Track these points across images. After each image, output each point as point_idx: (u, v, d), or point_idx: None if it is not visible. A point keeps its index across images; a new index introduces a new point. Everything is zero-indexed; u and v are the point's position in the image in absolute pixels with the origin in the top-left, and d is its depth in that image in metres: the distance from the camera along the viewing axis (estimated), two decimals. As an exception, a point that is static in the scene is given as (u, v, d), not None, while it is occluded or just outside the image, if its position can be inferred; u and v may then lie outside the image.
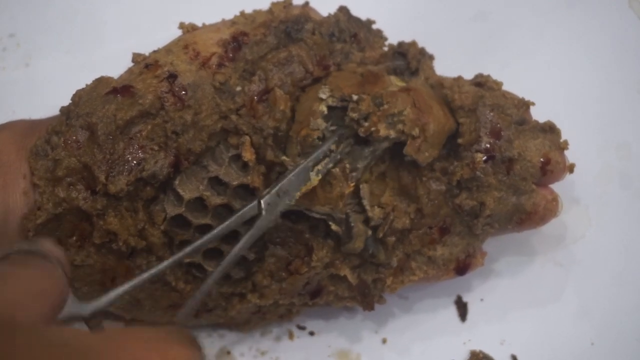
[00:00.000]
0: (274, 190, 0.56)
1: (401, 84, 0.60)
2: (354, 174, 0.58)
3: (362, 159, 0.58)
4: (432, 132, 0.57)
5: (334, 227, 0.58)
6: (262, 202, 0.55)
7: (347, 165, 0.57)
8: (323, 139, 0.57)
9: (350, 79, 0.59)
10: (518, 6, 0.78)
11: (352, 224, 0.58)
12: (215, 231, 0.55)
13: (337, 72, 0.60)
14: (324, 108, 0.57)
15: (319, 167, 0.57)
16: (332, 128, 0.58)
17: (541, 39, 0.77)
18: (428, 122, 0.57)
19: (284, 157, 0.57)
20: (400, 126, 0.57)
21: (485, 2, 0.78)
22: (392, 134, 0.57)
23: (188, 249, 0.54)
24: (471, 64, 0.66)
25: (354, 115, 0.57)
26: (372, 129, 0.57)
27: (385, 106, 0.57)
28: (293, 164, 0.57)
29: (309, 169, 0.57)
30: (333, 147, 0.57)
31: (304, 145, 0.57)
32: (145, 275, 0.53)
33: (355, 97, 0.57)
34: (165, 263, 0.54)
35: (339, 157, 0.57)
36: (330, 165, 0.57)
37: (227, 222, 0.55)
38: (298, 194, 0.56)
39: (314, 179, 0.57)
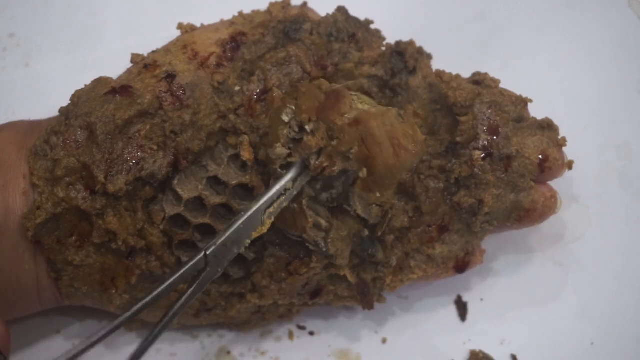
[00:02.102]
0: (219, 242, 0.54)
1: (362, 105, 0.58)
2: (321, 202, 0.57)
3: (336, 186, 0.57)
4: (379, 173, 0.56)
5: (310, 247, 0.58)
6: (207, 255, 0.54)
7: (304, 201, 0.56)
8: (286, 166, 0.56)
9: (313, 99, 0.57)
10: (518, 6, 0.78)
11: (324, 249, 0.57)
12: (160, 289, 0.53)
13: (305, 85, 0.58)
14: (286, 134, 0.56)
15: (271, 209, 0.55)
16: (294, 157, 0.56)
17: (541, 39, 0.76)
18: (375, 164, 0.55)
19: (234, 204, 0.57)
20: (351, 162, 0.55)
21: (485, 2, 0.78)
22: (348, 167, 0.55)
23: (133, 309, 0.52)
24: (471, 64, 0.65)
25: (294, 159, 0.56)
26: (325, 164, 0.55)
27: (334, 142, 0.55)
28: (244, 209, 0.55)
29: (262, 213, 0.55)
30: (289, 185, 0.56)
31: (272, 170, 0.57)
32: (102, 333, 0.51)
33: (309, 128, 0.56)
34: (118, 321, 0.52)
35: (295, 193, 0.56)
36: (285, 204, 0.56)
37: (174, 277, 0.53)
38: (248, 241, 0.55)
39: (267, 222, 0.55)
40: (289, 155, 0.56)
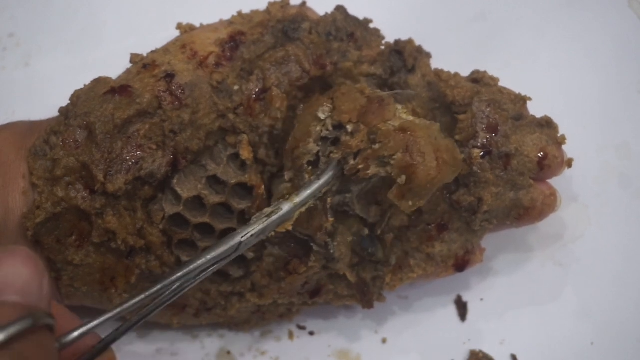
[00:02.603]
0: (255, 232, 0.54)
1: (406, 116, 0.58)
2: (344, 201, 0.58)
3: (352, 191, 0.58)
4: (418, 183, 0.55)
5: (315, 248, 0.58)
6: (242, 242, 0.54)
7: (329, 200, 0.57)
8: (314, 163, 0.57)
9: (354, 101, 0.57)
10: (518, 6, 0.78)
11: (332, 251, 0.58)
12: (193, 265, 0.52)
13: (345, 88, 0.59)
14: (319, 130, 0.57)
15: (303, 210, 0.56)
16: (325, 155, 0.57)
17: (541, 39, 0.76)
18: (416, 173, 0.55)
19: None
20: (389, 168, 0.56)
21: (485, 2, 0.78)
22: (382, 172, 0.56)
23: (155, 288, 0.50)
24: (471, 64, 0.65)
25: (336, 155, 0.56)
26: (360, 166, 0.56)
27: (376, 146, 0.56)
28: (278, 206, 0.55)
29: (296, 209, 0.56)
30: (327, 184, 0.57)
31: (295, 166, 0.57)
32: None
33: (350, 128, 0.56)
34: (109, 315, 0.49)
35: (321, 193, 0.57)
36: (312, 203, 0.57)
37: (208, 256, 0.52)
38: (273, 233, 0.56)
39: (295, 218, 0.56)
40: (318, 152, 0.57)
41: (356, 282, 0.60)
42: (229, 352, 0.66)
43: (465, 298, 0.67)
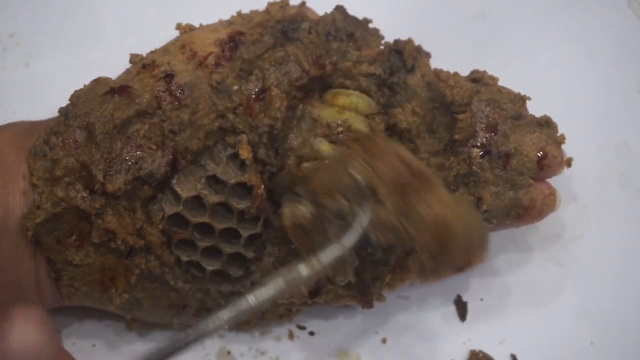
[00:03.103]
0: (269, 295, 0.49)
1: (447, 198, 0.53)
2: None
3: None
4: (442, 270, 0.54)
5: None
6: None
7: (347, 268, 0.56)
8: (339, 214, 0.54)
9: (392, 168, 0.53)
10: (518, 6, 0.78)
11: (341, 283, 0.58)
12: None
13: (386, 146, 0.55)
14: (350, 185, 0.53)
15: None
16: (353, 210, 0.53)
17: (541, 39, 0.76)
18: (442, 265, 0.53)
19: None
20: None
21: (485, 2, 0.78)
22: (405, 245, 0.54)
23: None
24: (471, 64, 0.65)
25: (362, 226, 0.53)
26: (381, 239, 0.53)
27: (404, 221, 0.52)
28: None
29: (315, 276, 0.51)
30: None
31: (318, 210, 0.54)
32: None
33: (385, 201, 0.52)
34: None
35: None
36: None
37: (220, 320, 0.49)
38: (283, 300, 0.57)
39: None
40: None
41: (356, 282, 0.60)
42: (229, 352, 0.66)
43: (465, 298, 0.67)
